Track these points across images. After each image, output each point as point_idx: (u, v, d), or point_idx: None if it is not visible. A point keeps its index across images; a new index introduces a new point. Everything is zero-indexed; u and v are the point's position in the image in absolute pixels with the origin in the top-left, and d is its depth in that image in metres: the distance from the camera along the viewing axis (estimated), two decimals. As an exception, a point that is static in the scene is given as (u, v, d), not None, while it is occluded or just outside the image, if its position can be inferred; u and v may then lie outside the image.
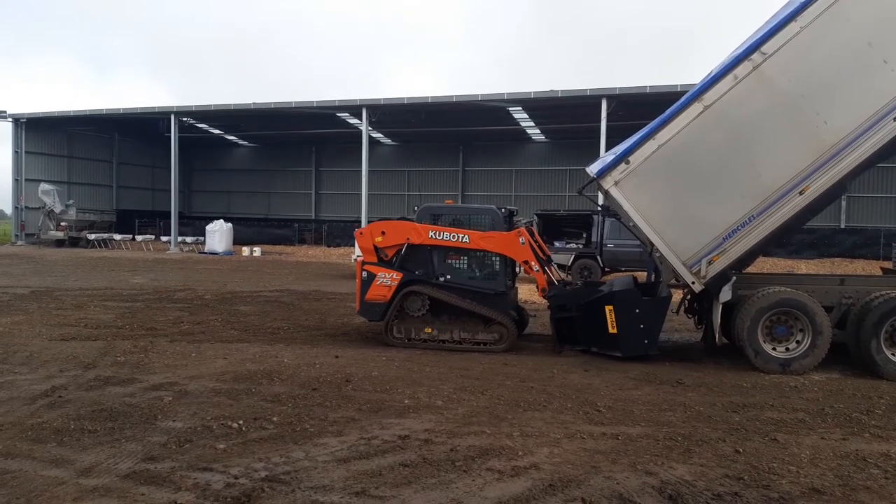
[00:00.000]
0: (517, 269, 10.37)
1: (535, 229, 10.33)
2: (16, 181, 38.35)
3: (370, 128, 33.57)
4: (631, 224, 8.97)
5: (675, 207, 8.47)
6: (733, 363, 8.65)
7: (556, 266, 10.43)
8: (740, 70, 8.11)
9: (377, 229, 9.94)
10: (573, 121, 34.13)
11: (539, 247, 9.87)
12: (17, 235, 38.80)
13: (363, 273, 9.86)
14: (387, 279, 9.67)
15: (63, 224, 35.88)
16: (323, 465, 4.87)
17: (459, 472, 4.76)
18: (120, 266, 24.12)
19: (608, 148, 22.99)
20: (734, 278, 8.56)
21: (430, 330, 9.68)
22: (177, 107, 35.82)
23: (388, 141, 46.41)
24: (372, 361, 8.59)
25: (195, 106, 36.37)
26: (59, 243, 35.32)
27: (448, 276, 9.75)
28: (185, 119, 37.30)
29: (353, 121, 37.79)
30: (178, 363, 8.28)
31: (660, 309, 9.02)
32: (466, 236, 9.56)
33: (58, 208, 35.98)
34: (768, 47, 8.01)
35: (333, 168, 47.73)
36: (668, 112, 8.51)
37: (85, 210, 38.54)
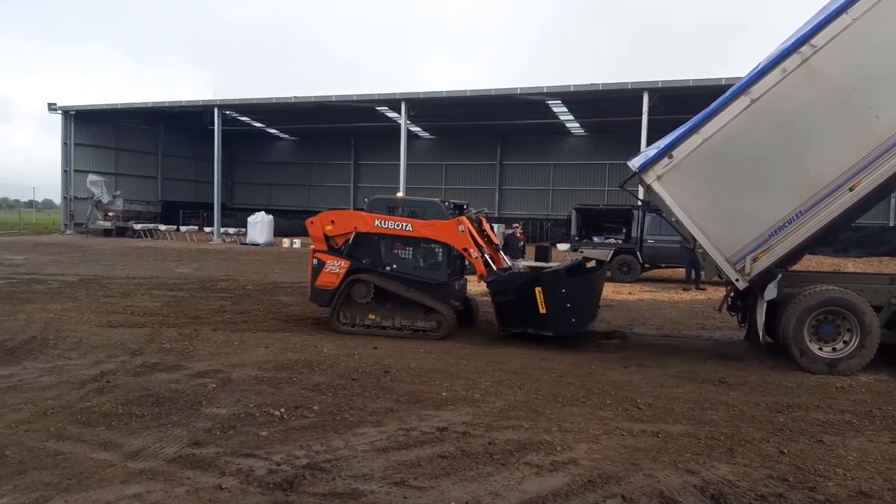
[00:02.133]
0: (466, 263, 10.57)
1: (485, 219, 10.76)
2: (65, 172, 39.57)
3: (408, 121, 33.68)
4: (673, 219, 8.84)
5: (719, 203, 8.31)
6: (777, 362, 8.46)
7: (503, 255, 10.72)
8: (789, 63, 7.89)
9: (327, 218, 10.37)
10: (613, 114, 33.77)
11: (487, 236, 10.31)
12: (66, 225, 40.06)
13: (314, 261, 10.29)
14: (335, 267, 10.07)
15: (110, 214, 36.97)
16: (362, 455, 4.93)
17: (497, 466, 4.76)
18: (165, 256, 24.72)
19: (649, 142, 22.70)
20: (780, 276, 8.37)
21: (373, 316, 10.02)
22: (220, 100, 36.47)
23: (425, 135, 46.55)
24: (410, 353, 8.64)
25: (238, 99, 37.00)
26: (107, 233, 36.38)
27: (394, 266, 10.10)
28: (227, 112, 37.98)
29: (392, 114, 38.01)
30: (222, 351, 8.47)
31: (585, 288, 9.47)
32: (409, 224, 9.88)
33: (105, 199, 37.07)
34: (818, 40, 7.78)
35: (371, 161, 48.09)
36: (713, 105, 8.34)
37: (131, 201, 39.62)
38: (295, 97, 34.89)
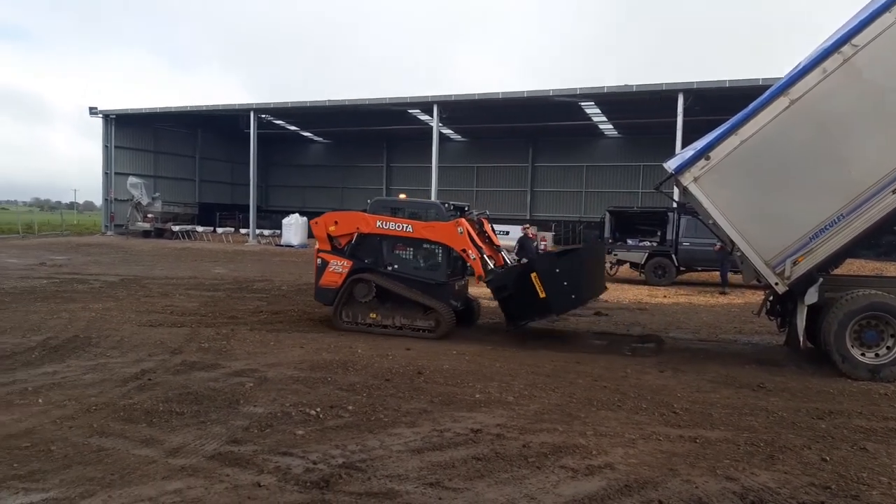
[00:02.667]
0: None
1: (486, 221, 10.95)
2: (106, 174, 40.48)
3: (440, 124, 33.76)
4: (710, 222, 8.71)
5: (758, 205, 8.17)
6: (818, 368, 8.27)
7: (505, 253, 10.90)
8: (829, 63, 7.73)
9: (331, 219, 10.61)
10: (647, 116, 33.39)
11: (488, 238, 10.54)
12: (106, 226, 41.00)
13: (318, 260, 10.52)
14: (338, 266, 10.31)
15: (149, 216, 37.77)
16: (397, 455, 4.96)
17: (532, 469, 4.75)
18: (202, 257, 25.17)
19: (684, 143, 22.38)
20: (821, 280, 8.19)
21: (374, 315, 10.19)
22: (256, 104, 37.00)
23: (457, 137, 46.58)
24: (443, 355, 8.66)
25: (273, 103, 37.47)
26: (146, 234, 37.16)
27: (395, 266, 10.28)
28: (263, 116, 38.51)
29: (424, 117, 38.12)
30: (258, 351, 8.60)
31: (578, 265, 9.61)
32: (410, 226, 10.07)
33: (144, 201, 37.88)
34: (859, 39, 7.60)
35: (403, 164, 48.28)
36: (751, 106, 8.21)
37: (170, 203, 40.38)
38: (329, 101, 35.25)
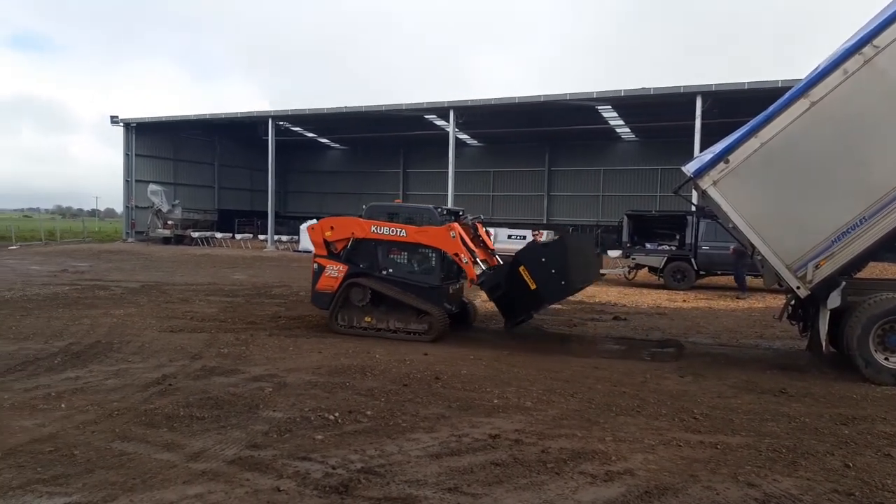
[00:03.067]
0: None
1: (480, 225, 11.18)
2: (126, 182, 41.01)
3: (457, 129, 33.81)
4: (730, 225, 8.63)
5: (778, 208, 8.09)
6: (841, 373, 8.16)
7: (499, 258, 11.10)
8: (851, 64, 7.64)
9: (327, 224, 10.77)
10: (665, 119, 33.19)
11: (482, 242, 10.76)
12: (127, 233, 41.50)
13: (314, 265, 10.71)
14: (334, 271, 10.45)
15: (169, 223, 38.18)
16: (416, 460, 4.96)
17: (551, 474, 4.73)
18: (221, 263, 25.39)
19: (703, 147, 22.21)
20: (843, 284, 8.08)
21: (369, 319, 10.31)
22: (274, 111, 37.33)
23: (473, 142, 46.63)
24: (460, 360, 8.66)
25: (291, 110, 37.77)
26: (166, 241, 37.54)
27: (389, 270, 10.40)
28: (281, 123, 38.79)
29: (441, 122, 38.24)
30: (277, 356, 8.65)
31: (561, 251, 9.61)
32: (404, 230, 10.20)
33: (165, 208, 38.30)
34: (881, 40, 7.51)
35: (420, 169, 48.41)
36: (771, 109, 8.14)
37: (189, 209, 40.80)
38: (346, 107, 35.46)
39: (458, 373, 7.88)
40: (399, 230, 10.22)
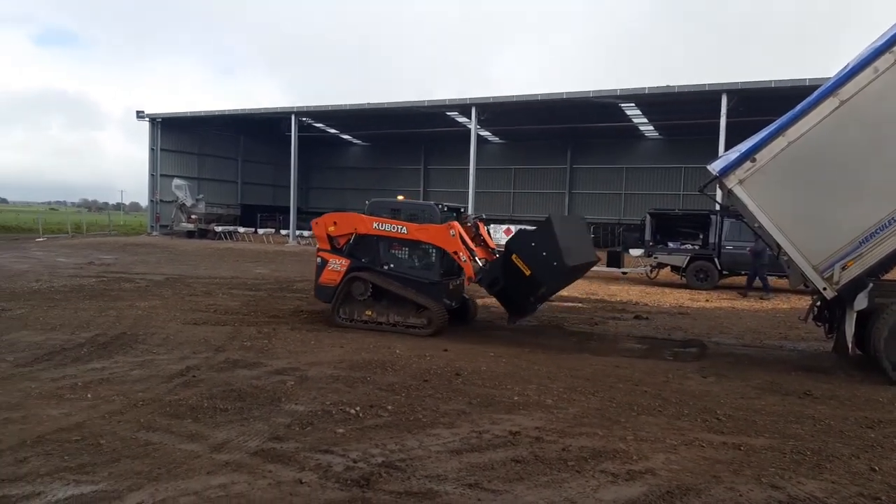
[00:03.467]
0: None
1: (481, 224, 11.27)
2: (152, 176, 41.54)
3: (478, 126, 33.76)
4: (756, 225, 8.52)
5: (805, 208, 7.97)
6: (867, 376, 8.03)
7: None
8: (881, 62, 7.51)
9: (330, 220, 10.97)
10: (689, 117, 32.86)
11: (483, 240, 10.85)
12: (152, 227, 42.05)
13: (318, 259, 10.90)
14: (337, 265, 10.65)
15: (193, 217, 38.65)
16: (436, 455, 4.97)
17: (572, 472, 4.72)
18: (243, 257, 25.62)
19: (728, 145, 21.94)
20: (871, 285, 7.95)
21: (370, 313, 10.48)
22: (297, 107, 37.55)
23: (495, 139, 46.52)
24: (480, 357, 8.66)
25: (313, 106, 37.98)
26: (190, 234, 38.01)
27: (391, 265, 10.55)
28: (304, 119, 39.04)
29: (462, 119, 38.20)
30: (299, 349, 8.72)
31: (549, 232, 9.53)
32: (404, 227, 10.33)
33: (189, 202, 38.78)
34: (913, 38, 7.38)
35: (441, 166, 48.40)
36: (799, 107, 8.02)
37: (213, 204, 41.25)
38: (368, 104, 35.57)
39: (478, 369, 7.88)
40: (400, 227, 10.36)
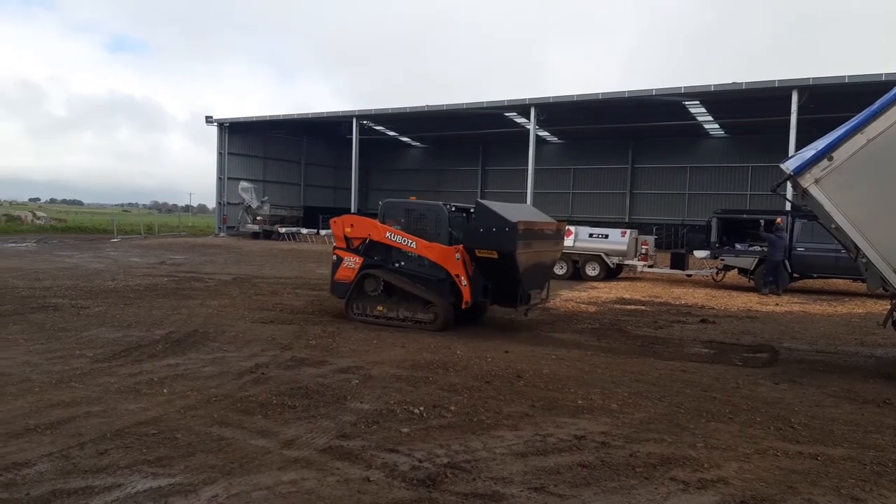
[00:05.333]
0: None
1: None
2: (219, 179, 42.92)
3: (537, 126, 33.52)
4: (832, 226, 8.17)
5: (886, 209, 7.60)
6: (955, 386, 7.61)
7: None
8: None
9: (348, 221, 11.58)
10: (757, 115, 31.87)
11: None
12: (219, 228, 43.43)
13: (334, 257, 11.38)
14: (351, 262, 11.16)
15: (258, 218, 39.73)
16: (501, 458, 4.96)
17: (640, 479, 4.62)
18: (307, 257, 26.17)
19: (798, 144, 21.17)
20: (958, 290, 7.53)
21: (381, 308, 10.90)
22: (358, 111, 38.17)
23: (553, 139, 46.12)
24: (542, 359, 8.59)
25: (374, 110, 38.49)
26: (255, 236, 39.09)
27: (401, 263, 10.97)
28: (364, 122, 39.63)
29: (521, 119, 38.02)
30: (362, 349, 8.85)
31: (483, 209, 10.25)
32: (414, 242, 10.74)
33: (254, 204, 39.89)
34: None
35: (499, 167, 48.30)
36: (878, 103, 7.65)
37: (277, 206, 42.34)
38: (427, 106, 35.83)
39: (540, 371, 7.83)
40: (410, 241, 10.76)
